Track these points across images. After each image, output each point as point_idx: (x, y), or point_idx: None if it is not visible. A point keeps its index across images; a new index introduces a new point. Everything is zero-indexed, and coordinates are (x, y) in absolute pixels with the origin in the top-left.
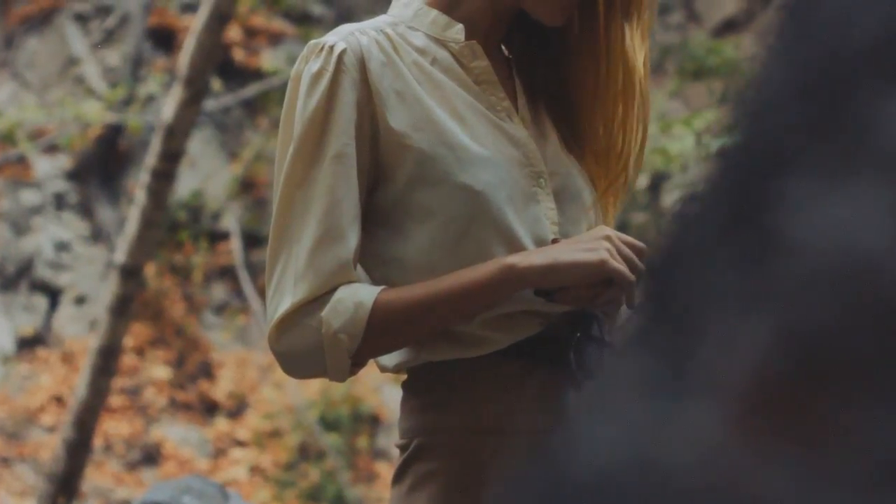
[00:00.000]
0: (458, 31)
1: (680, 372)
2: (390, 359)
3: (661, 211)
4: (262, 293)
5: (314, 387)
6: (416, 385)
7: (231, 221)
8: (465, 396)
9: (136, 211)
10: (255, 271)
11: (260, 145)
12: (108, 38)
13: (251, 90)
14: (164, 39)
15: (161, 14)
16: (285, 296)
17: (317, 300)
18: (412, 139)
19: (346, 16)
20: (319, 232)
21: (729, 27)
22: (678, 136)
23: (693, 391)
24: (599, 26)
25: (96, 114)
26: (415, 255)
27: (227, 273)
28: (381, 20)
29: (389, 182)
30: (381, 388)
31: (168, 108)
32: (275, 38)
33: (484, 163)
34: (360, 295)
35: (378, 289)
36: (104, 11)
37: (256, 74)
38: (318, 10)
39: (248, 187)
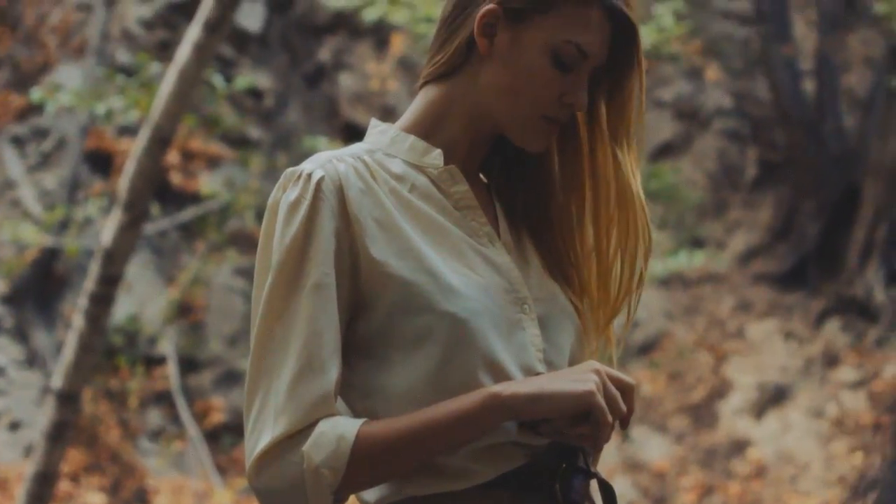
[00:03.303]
0: (436, 157)
1: None
2: (372, 493)
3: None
4: (197, 418)
5: None
6: None
7: (167, 346)
8: None
9: (74, 336)
10: (192, 396)
11: (197, 269)
12: (45, 161)
13: (188, 213)
14: (102, 163)
15: (98, 137)
16: (265, 430)
17: (298, 434)
18: (393, 267)
19: (284, 139)
20: (299, 364)
21: (666, 151)
22: None
23: None
24: (583, 153)
25: (33, 237)
26: (398, 386)
27: (164, 398)
28: (357, 147)
29: (370, 311)
30: None
31: (107, 231)
32: (212, 162)
33: (467, 290)
34: (342, 428)
35: (360, 421)
36: (41, 134)
37: (194, 198)
38: (255, 133)
39: (184, 312)
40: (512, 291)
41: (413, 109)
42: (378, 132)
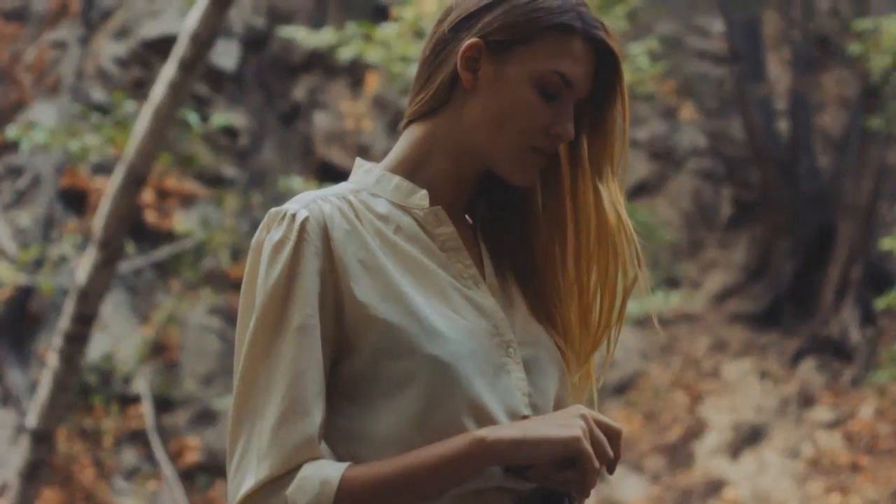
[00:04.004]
0: (421, 198)
1: None
2: None
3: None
4: (172, 458)
5: None
6: None
7: (142, 385)
8: None
9: (48, 374)
10: (166, 435)
11: (171, 308)
12: (20, 199)
13: (163, 252)
14: (76, 201)
15: (72, 175)
16: (248, 473)
17: (281, 478)
18: (377, 310)
19: (259, 178)
20: (283, 407)
21: (641, 191)
22: None
23: None
24: (564, 189)
25: (7, 275)
26: (382, 430)
27: (138, 437)
28: (342, 187)
29: (354, 353)
30: None
31: (82, 270)
32: (187, 200)
33: (452, 334)
34: (325, 472)
35: (344, 465)
36: (15, 172)
37: (168, 236)
38: (230, 172)
39: (159, 350)
40: (497, 335)
41: (398, 148)
42: (363, 172)
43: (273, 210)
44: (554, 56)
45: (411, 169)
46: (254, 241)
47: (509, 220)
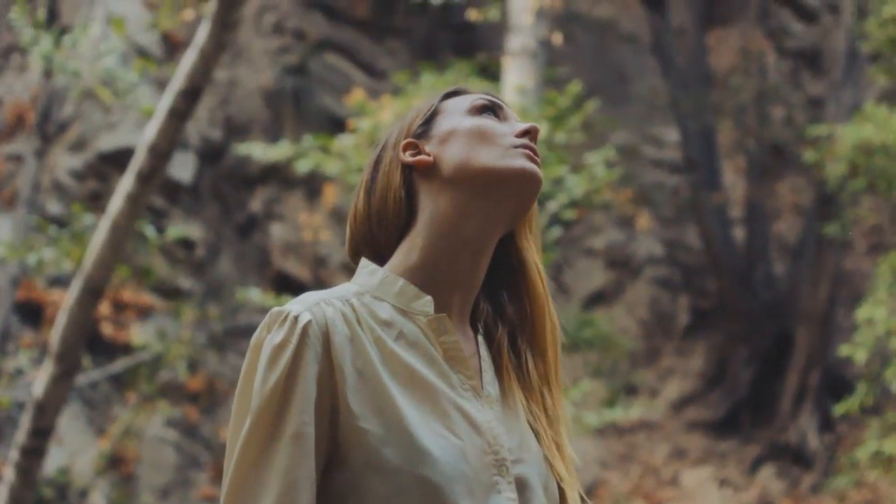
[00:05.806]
0: (425, 304)
1: None
2: None
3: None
4: None
5: None
6: None
7: (98, 498)
8: None
9: (4, 489)
10: None
11: (128, 421)
12: None
13: (119, 365)
14: (32, 314)
15: (29, 288)
16: None
17: None
18: (369, 422)
19: (215, 290)
20: None
21: (598, 299)
22: None
23: None
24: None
25: None
26: None
27: None
28: (346, 289)
29: (344, 464)
30: None
31: (39, 383)
32: (144, 312)
33: (442, 454)
34: None
35: None
36: None
37: (125, 348)
38: (187, 283)
39: (115, 463)
40: (490, 453)
41: (399, 252)
42: (366, 273)
43: (275, 310)
44: (466, 100)
45: (414, 267)
46: (253, 339)
47: (509, 320)
